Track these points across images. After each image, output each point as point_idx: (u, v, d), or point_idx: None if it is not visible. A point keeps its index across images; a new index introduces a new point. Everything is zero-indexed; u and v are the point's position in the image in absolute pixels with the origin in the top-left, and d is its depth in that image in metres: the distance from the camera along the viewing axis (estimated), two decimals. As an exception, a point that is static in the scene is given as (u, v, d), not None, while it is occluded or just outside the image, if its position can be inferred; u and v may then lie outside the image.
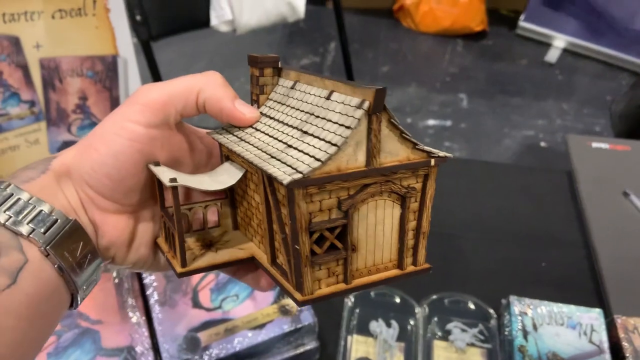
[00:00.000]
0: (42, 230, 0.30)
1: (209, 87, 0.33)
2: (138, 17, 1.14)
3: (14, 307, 0.28)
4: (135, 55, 0.73)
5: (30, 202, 0.31)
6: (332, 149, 0.29)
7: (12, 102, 0.69)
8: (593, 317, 0.67)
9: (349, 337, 0.65)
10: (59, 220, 0.31)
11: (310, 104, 0.34)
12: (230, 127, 0.36)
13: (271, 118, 0.35)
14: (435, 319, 0.68)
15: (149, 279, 0.64)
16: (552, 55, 2.61)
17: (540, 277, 0.76)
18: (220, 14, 1.23)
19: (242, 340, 0.58)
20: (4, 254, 0.29)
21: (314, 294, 0.32)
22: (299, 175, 0.28)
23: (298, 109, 0.34)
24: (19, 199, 0.30)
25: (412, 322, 0.68)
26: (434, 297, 0.71)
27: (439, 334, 0.67)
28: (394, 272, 0.34)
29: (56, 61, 0.68)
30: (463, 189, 0.89)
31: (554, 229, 0.83)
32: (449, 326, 0.68)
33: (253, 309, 0.61)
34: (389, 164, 0.31)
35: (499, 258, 0.79)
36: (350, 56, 1.51)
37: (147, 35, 1.16)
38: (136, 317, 0.60)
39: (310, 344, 0.62)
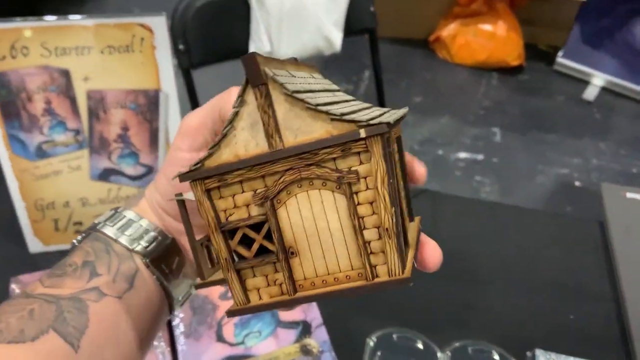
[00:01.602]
0: (144, 245, 0.36)
1: (227, 103, 0.35)
2: (181, 46, 1.18)
3: (134, 307, 0.34)
4: (176, 79, 0.76)
5: (140, 222, 0.37)
6: (219, 137, 0.26)
7: (58, 130, 0.73)
8: (621, 377, 0.65)
9: (369, 381, 0.65)
10: (158, 238, 0.37)
11: None
12: None
13: None
14: (457, 367, 0.68)
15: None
16: (590, 93, 2.58)
17: (567, 329, 0.75)
18: (259, 46, 1.26)
19: (263, 378, 0.59)
20: (122, 262, 0.35)
21: (247, 304, 0.28)
22: (186, 169, 0.27)
23: None
24: (130, 220, 0.37)
25: (433, 369, 0.67)
26: (457, 344, 0.70)
27: (460, 383, 0.66)
28: (358, 283, 0.27)
29: (102, 93, 0.72)
30: (490, 233, 0.88)
31: (583, 281, 0.82)
32: (471, 376, 0.67)
33: (275, 347, 0.62)
34: (302, 143, 0.26)
35: (525, 307, 0.78)
36: (384, 85, 1.52)
37: (188, 64, 1.20)
38: (161, 347, 0.61)
39: (330, 386, 0.62)
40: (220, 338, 0.63)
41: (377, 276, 0.27)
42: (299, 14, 1.28)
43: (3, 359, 0.29)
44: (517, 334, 0.74)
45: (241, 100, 0.26)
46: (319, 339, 0.64)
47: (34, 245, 0.79)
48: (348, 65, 2.67)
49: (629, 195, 0.92)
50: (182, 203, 0.32)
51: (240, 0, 1.25)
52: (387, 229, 0.26)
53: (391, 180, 0.26)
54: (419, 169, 0.35)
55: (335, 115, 0.25)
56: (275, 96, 0.26)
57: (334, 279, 0.27)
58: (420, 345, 0.69)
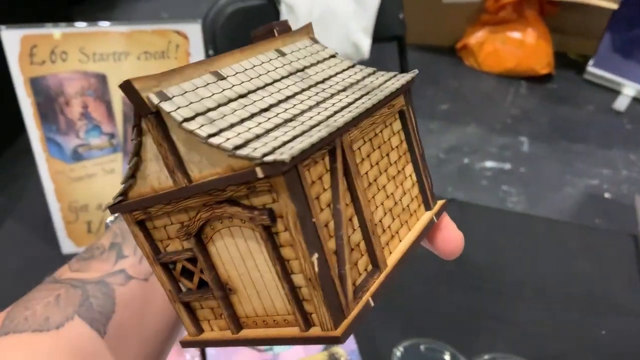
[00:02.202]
0: None
1: None
2: (210, 52, 1.19)
3: (161, 289, 0.31)
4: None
5: None
6: (131, 167, 0.24)
7: (94, 134, 0.74)
8: (656, 397, 0.63)
9: (396, 391, 0.64)
10: None
11: None
12: None
13: None
14: (486, 380, 0.67)
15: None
16: (621, 103, 2.53)
17: (599, 346, 0.73)
18: (288, 52, 1.27)
19: (290, 385, 0.59)
20: None
21: (199, 336, 0.27)
22: (113, 201, 0.26)
23: None
24: None
25: (461, 381, 0.66)
26: (486, 357, 0.69)
27: (489, 397, 0.65)
28: (293, 331, 0.24)
29: (137, 98, 0.73)
30: (521, 246, 0.87)
31: (616, 296, 0.80)
32: (500, 390, 0.66)
33: (303, 354, 0.62)
34: (208, 178, 0.22)
35: (555, 321, 0.76)
36: (411, 94, 1.51)
37: (218, 69, 1.21)
38: (191, 351, 0.62)
39: (357, 395, 0.62)
40: (248, 343, 0.63)
41: (313, 325, 0.24)
42: (328, 21, 1.28)
43: (28, 347, 0.29)
44: (547, 349, 0.72)
45: (138, 130, 0.23)
46: (347, 347, 0.64)
47: (67, 246, 0.80)
48: (374, 72, 2.67)
49: (665, 209, 0.90)
50: None
51: (270, 7, 1.27)
52: (309, 279, 0.22)
53: (311, 220, 0.22)
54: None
55: (227, 149, 0.21)
56: (170, 124, 0.22)
57: (273, 321, 0.25)
58: (447, 357, 0.69)
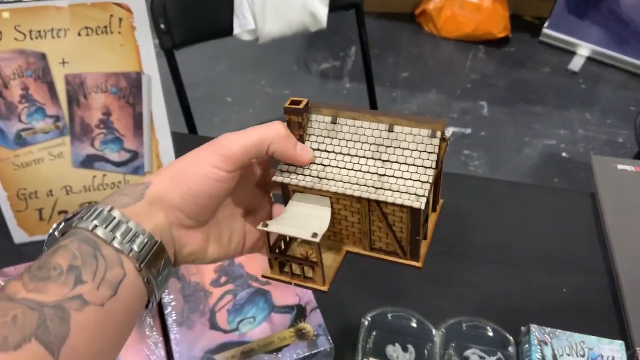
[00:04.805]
0: (137, 249, 0.37)
1: (277, 140, 0.41)
2: (162, 26, 1.14)
3: (115, 314, 0.35)
4: (158, 62, 0.73)
5: (129, 225, 0.37)
6: (431, 171, 0.39)
7: (37, 117, 0.70)
8: (615, 349, 0.65)
9: (365, 362, 0.64)
10: (149, 242, 0.38)
11: (372, 136, 0.41)
12: (287, 166, 0.43)
13: (330, 152, 0.42)
14: (453, 344, 0.68)
15: (168, 298, 0.64)
16: (576, 64, 2.57)
17: (561, 303, 0.75)
18: (243, 23, 1.23)
19: (259, 364, 0.58)
20: (109, 268, 0.35)
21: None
22: (425, 200, 0.38)
23: (359, 141, 0.41)
24: (120, 222, 0.37)
25: (429, 347, 0.67)
26: (452, 321, 0.70)
27: (457, 360, 0.66)
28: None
29: (81, 77, 0.69)
30: (482, 209, 0.88)
31: (576, 254, 0.82)
32: (467, 353, 0.67)
33: (270, 332, 0.61)
34: None
35: (518, 282, 0.78)
36: (371, 61, 1.50)
37: (170, 44, 1.16)
38: (154, 337, 0.60)
39: (327, 369, 0.62)
40: (213, 325, 0.62)
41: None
42: (282, -10, 1.25)
43: None
44: (511, 309, 0.74)
45: (438, 147, 0.40)
46: (314, 322, 0.63)
47: (19, 236, 0.77)
48: (334, 41, 2.63)
49: (620, 167, 0.92)
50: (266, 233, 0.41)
51: (222, -24, 1.22)
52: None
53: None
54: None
55: None
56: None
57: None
58: (414, 324, 0.69)
